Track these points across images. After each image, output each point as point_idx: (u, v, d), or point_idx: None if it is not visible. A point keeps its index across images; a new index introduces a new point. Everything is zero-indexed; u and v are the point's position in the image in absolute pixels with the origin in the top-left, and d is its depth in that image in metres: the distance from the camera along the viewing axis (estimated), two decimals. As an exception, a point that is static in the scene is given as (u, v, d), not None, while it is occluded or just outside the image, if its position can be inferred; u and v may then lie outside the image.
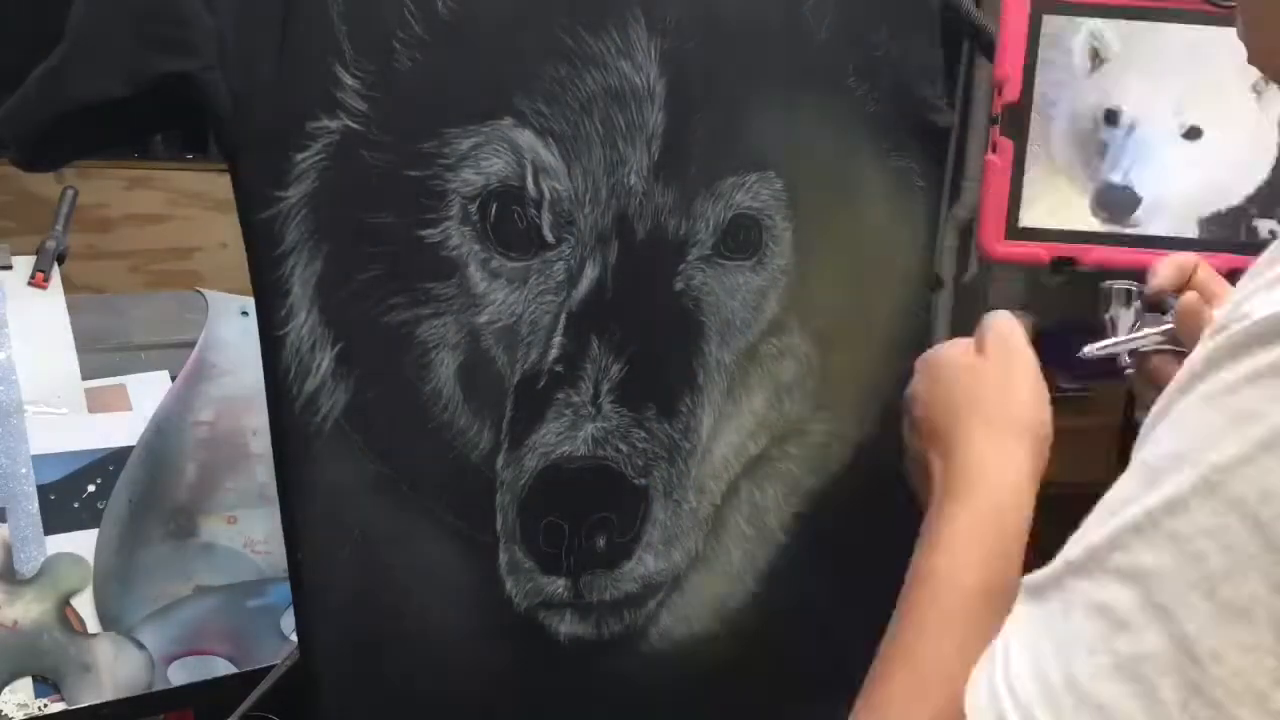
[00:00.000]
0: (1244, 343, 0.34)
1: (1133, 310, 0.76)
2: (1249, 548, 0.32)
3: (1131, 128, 0.92)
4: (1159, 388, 0.40)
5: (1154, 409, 0.38)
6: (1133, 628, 0.33)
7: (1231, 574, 0.32)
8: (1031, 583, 0.39)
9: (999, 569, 0.54)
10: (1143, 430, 0.39)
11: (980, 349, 0.68)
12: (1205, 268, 0.74)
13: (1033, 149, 0.92)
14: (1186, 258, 0.75)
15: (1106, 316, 0.78)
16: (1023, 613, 0.39)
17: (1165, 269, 0.74)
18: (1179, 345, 0.73)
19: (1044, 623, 0.36)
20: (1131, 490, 0.36)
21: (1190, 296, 0.71)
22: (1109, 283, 0.78)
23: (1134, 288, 0.76)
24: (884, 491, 0.78)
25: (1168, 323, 0.74)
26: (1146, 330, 0.75)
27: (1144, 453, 0.37)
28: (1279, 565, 0.31)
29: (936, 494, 0.62)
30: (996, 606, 0.43)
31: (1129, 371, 0.76)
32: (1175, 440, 0.34)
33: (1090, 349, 0.76)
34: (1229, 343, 0.34)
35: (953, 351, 0.69)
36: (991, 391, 0.65)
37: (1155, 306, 0.75)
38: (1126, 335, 0.76)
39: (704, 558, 0.85)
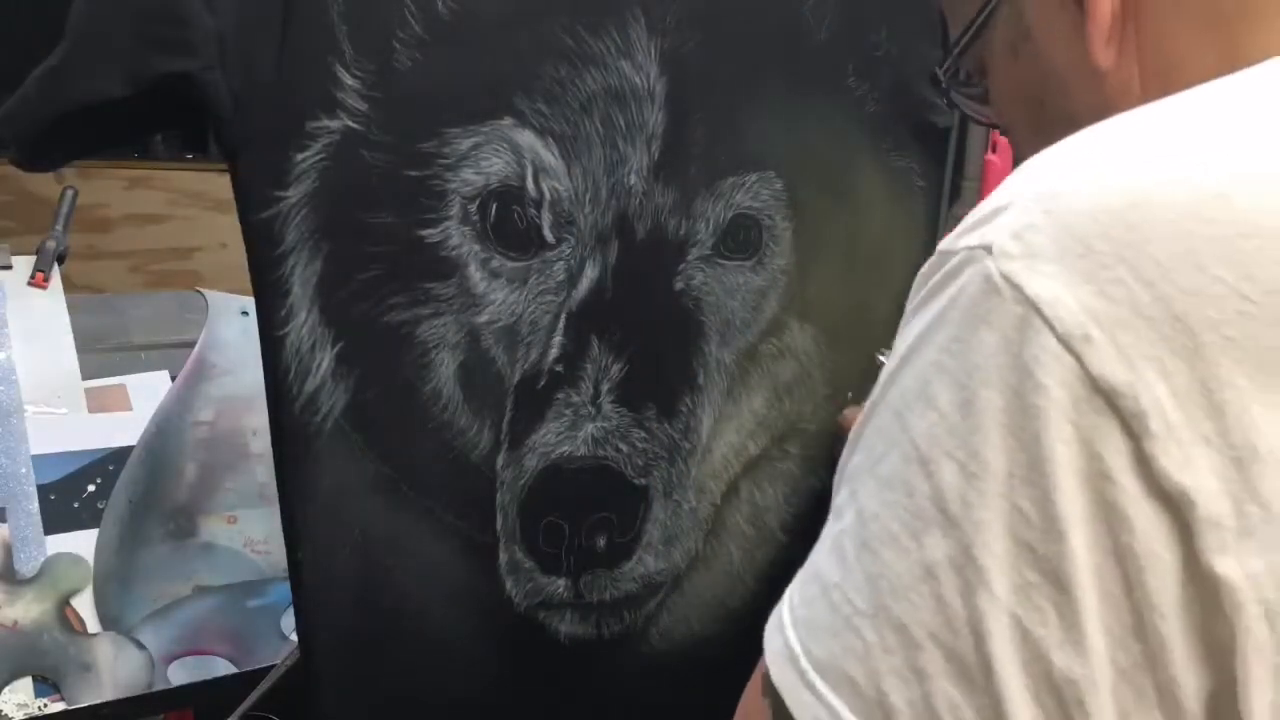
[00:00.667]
0: (914, 290, 0.44)
1: None
2: (893, 433, 0.41)
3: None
4: None
5: None
6: (839, 515, 0.43)
7: (885, 455, 0.41)
8: None
9: None
10: None
11: None
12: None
13: (1032, 149, 0.92)
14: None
15: None
16: None
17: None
18: None
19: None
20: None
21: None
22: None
23: None
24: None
25: None
26: None
27: None
28: (906, 439, 0.41)
29: None
30: None
31: None
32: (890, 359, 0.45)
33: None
34: (911, 293, 0.44)
35: None
36: None
37: None
38: None
39: (704, 558, 0.85)
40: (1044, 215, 0.40)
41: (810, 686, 0.41)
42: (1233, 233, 0.38)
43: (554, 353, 0.78)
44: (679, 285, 0.82)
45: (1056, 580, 0.38)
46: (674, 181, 0.81)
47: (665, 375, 0.82)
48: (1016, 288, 0.39)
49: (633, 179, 0.80)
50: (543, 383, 0.78)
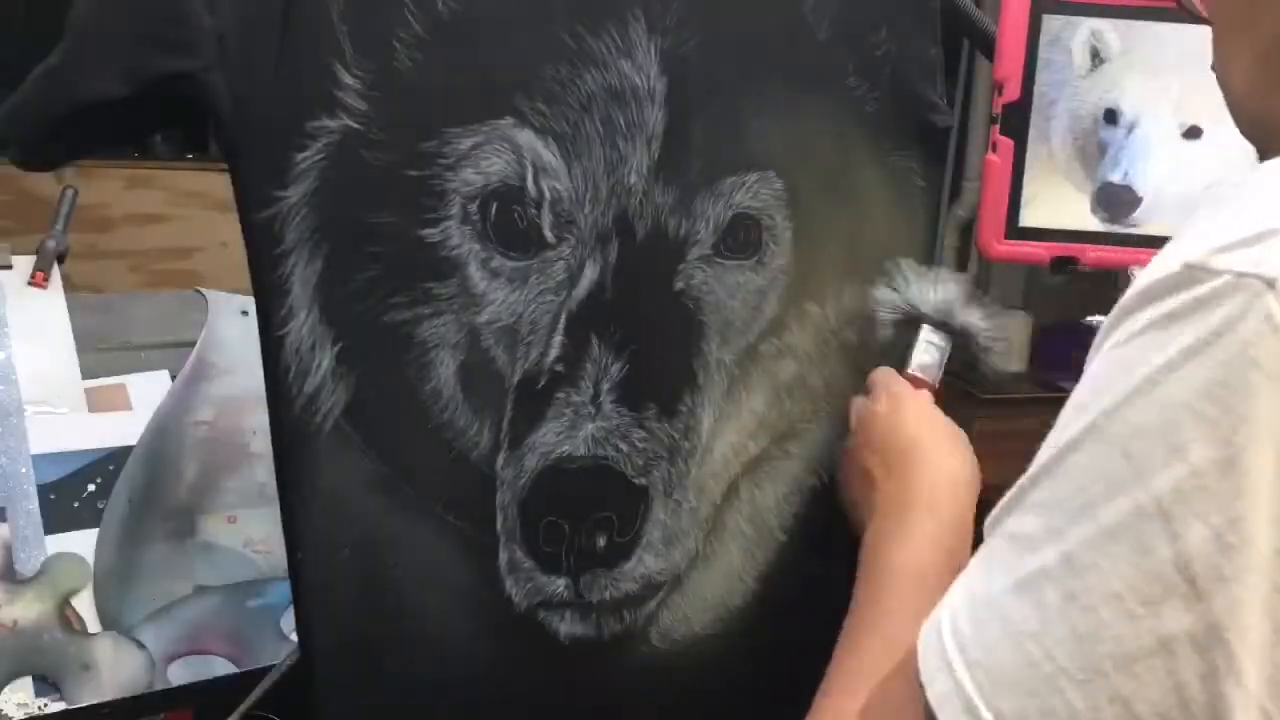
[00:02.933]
0: (1137, 301, 0.38)
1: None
2: (1122, 476, 0.36)
3: (1131, 127, 0.92)
4: None
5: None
6: (1034, 549, 0.38)
7: (1108, 500, 0.37)
8: (986, 522, 0.45)
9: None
10: None
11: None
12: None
13: (1033, 148, 0.92)
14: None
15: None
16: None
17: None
18: None
19: (979, 557, 0.42)
20: (1053, 434, 0.41)
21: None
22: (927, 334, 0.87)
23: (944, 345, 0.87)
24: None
25: None
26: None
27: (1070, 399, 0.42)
28: (1143, 490, 0.36)
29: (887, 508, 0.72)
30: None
31: None
32: (1082, 389, 0.39)
33: None
34: (1127, 301, 0.39)
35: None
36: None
37: None
38: None
39: (704, 557, 0.85)
40: None
41: None
42: None
43: (554, 352, 0.78)
44: (679, 285, 0.82)
45: None
46: (674, 181, 0.81)
47: (665, 375, 0.82)
48: None
49: (633, 178, 0.80)
50: (543, 382, 0.78)
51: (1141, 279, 0.39)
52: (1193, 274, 0.37)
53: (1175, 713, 0.35)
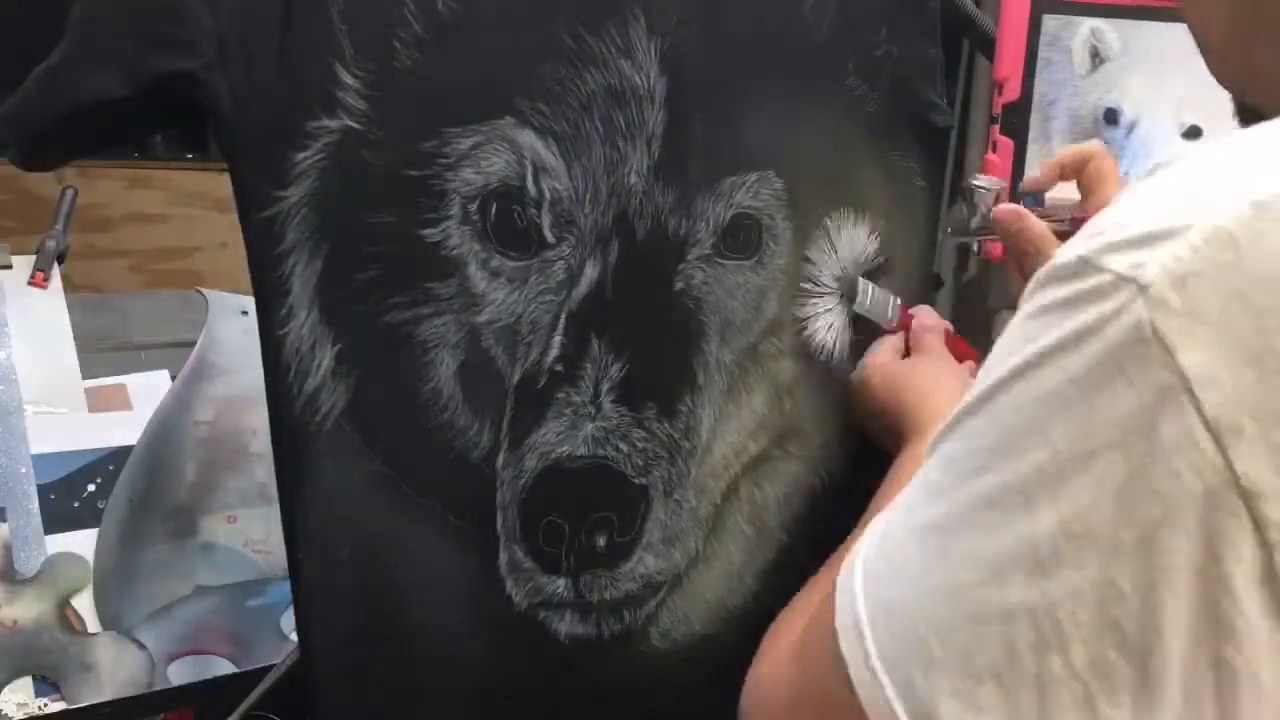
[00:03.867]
0: (1044, 278, 0.40)
1: (981, 210, 0.85)
2: (999, 450, 0.39)
3: (1131, 127, 0.92)
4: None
5: None
6: (930, 501, 0.42)
7: (988, 467, 0.40)
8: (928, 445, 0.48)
9: None
10: None
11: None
12: (1100, 159, 0.81)
13: (1033, 148, 0.92)
14: (1073, 151, 0.83)
15: (964, 209, 0.87)
16: None
17: (1046, 169, 0.83)
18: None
19: (903, 491, 0.45)
20: (975, 382, 0.44)
21: (1006, 208, 0.82)
22: (970, 180, 0.86)
23: (990, 187, 0.85)
24: (884, 491, 0.78)
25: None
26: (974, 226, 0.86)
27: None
28: (1011, 468, 0.39)
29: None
30: None
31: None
32: (995, 350, 0.42)
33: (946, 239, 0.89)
34: (1040, 276, 0.41)
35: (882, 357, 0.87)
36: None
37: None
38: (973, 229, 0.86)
39: (704, 557, 0.85)
40: (1214, 267, 0.35)
41: (873, 671, 0.41)
42: None
43: (554, 352, 0.78)
44: (679, 285, 0.82)
45: (1141, 670, 0.36)
46: (674, 181, 0.81)
47: (665, 375, 0.82)
48: (1167, 351, 0.35)
49: (633, 178, 0.80)
50: (543, 382, 0.78)
51: (1056, 256, 0.41)
52: (1084, 267, 0.38)
53: (1007, 675, 0.38)
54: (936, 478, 0.43)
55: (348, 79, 0.73)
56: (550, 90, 0.77)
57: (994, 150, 0.92)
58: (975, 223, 0.85)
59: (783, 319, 0.87)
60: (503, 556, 0.79)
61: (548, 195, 0.78)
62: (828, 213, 0.88)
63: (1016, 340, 0.40)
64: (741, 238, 0.84)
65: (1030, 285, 0.42)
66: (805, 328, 0.88)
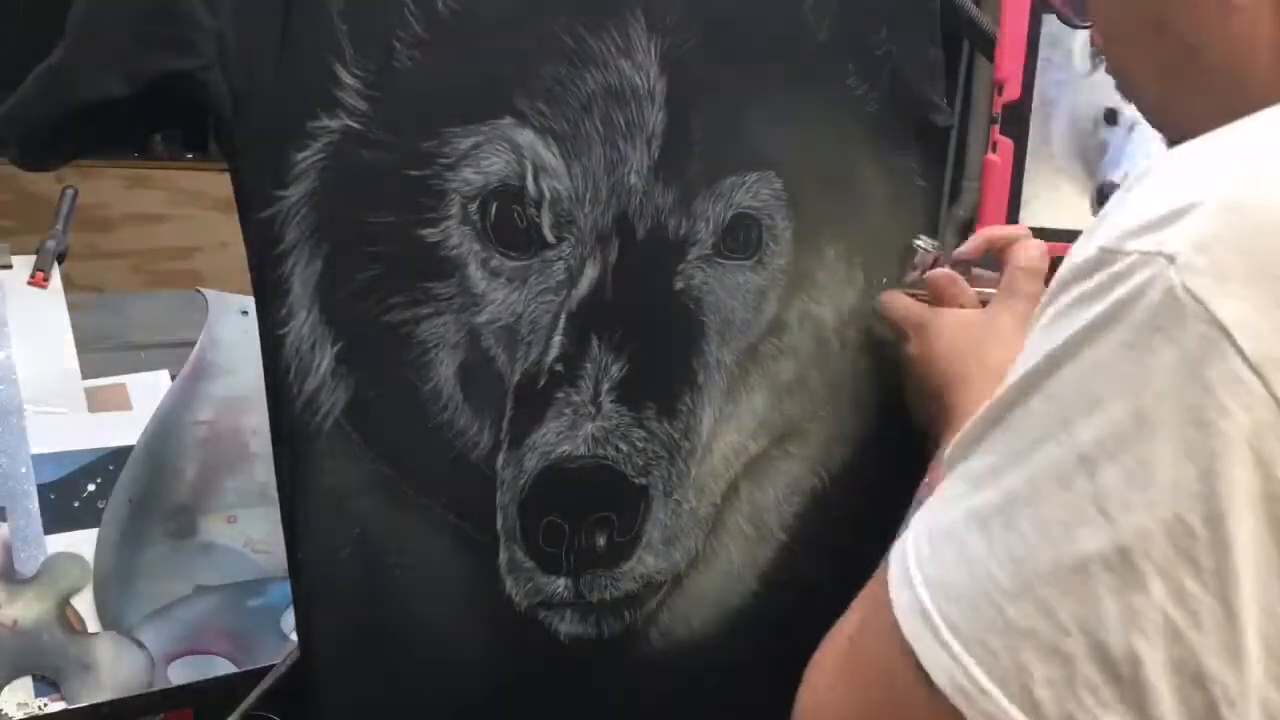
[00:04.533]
0: (1062, 284, 0.44)
1: (919, 269, 0.88)
2: (1052, 426, 0.42)
3: (1131, 127, 0.92)
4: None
5: None
6: (980, 487, 0.44)
7: (1041, 444, 0.42)
8: (945, 459, 0.50)
9: None
10: None
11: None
12: (1024, 245, 0.83)
13: (1033, 149, 0.92)
14: (1004, 231, 0.87)
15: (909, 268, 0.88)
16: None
17: (975, 240, 0.87)
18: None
19: (937, 494, 0.47)
20: (995, 397, 0.46)
21: (940, 272, 0.85)
22: (913, 240, 0.89)
23: (928, 248, 0.88)
24: (884, 491, 0.78)
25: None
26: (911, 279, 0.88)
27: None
28: (1069, 437, 0.41)
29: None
30: None
31: None
32: (1020, 362, 0.45)
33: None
34: (1061, 278, 0.44)
35: (952, 314, 0.82)
36: (993, 341, 0.78)
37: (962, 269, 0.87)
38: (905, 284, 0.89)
39: (704, 557, 0.85)
40: (1231, 228, 0.39)
41: (946, 647, 0.42)
42: None
43: (554, 352, 0.78)
44: (679, 285, 0.82)
45: (1219, 593, 0.38)
46: (674, 181, 0.81)
47: (665, 375, 0.82)
48: (1203, 306, 0.38)
49: (633, 178, 0.80)
50: (543, 382, 0.78)
51: (1067, 263, 0.44)
52: (1107, 256, 0.41)
53: (1091, 620, 0.40)
54: (981, 467, 0.44)
55: (348, 79, 0.73)
56: (550, 90, 0.77)
57: (994, 150, 0.92)
58: (910, 278, 0.88)
59: (783, 319, 0.87)
60: (503, 556, 0.79)
61: (548, 195, 0.78)
62: (828, 214, 0.88)
63: (1051, 335, 0.43)
64: (741, 238, 0.84)
65: (1048, 293, 0.44)
66: (806, 327, 0.88)
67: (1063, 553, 0.40)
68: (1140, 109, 0.60)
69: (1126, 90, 0.60)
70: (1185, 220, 0.39)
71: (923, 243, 0.88)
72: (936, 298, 0.85)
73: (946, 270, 0.86)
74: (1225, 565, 0.38)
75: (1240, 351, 0.38)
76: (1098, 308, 0.41)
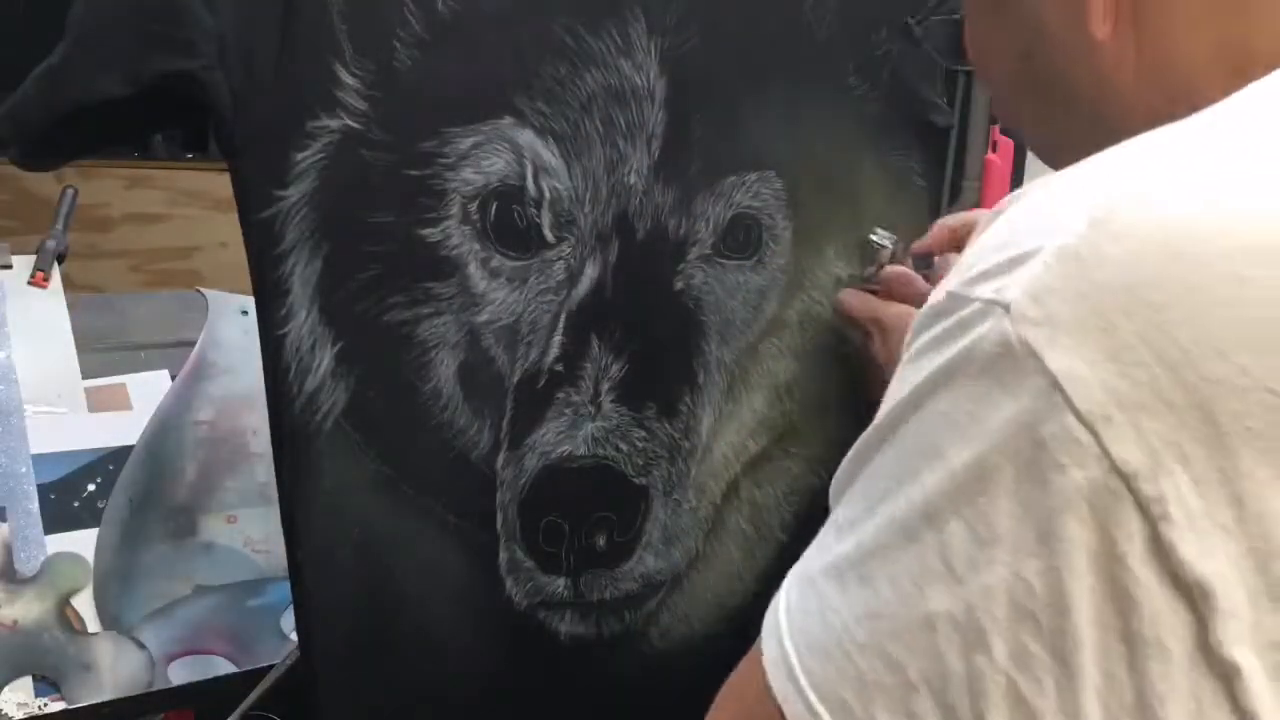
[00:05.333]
0: (919, 325, 0.44)
1: (878, 264, 0.87)
2: (901, 478, 0.42)
3: (1131, 127, 0.92)
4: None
5: None
6: (842, 538, 0.44)
7: (891, 494, 0.42)
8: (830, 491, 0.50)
9: None
10: None
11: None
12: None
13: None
14: (960, 219, 0.86)
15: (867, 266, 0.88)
16: None
17: (935, 232, 0.86)
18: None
19: (816, 538, 0.47)
20: (865, 435, 0.46)
21: (893, 270, 0.86)
22: (870, 233, 0.88)
23: (886, 243, 0.87)
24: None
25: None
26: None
27: None
28: (916, 489, 0.41)
29: None
30: None
31: None
32: (888, 394, 0.45)
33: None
34: (919, 320, 0.44)
35: (910, 312, 0.80)
36: None
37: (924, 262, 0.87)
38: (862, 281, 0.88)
39: (704, 557, 0.85)
40: (1065, 279, 0.39)
41: (806, 702, 0.42)
42: (1258, 315, 0.37)
43: (554, 352, 0.78)
44: (679, 285, 0.82)
45: (1058, 654, 0.38)
46: (674, 181, 0.81)
47: (665, 374, 0.82)
48: (1036, 357, 0.38)
49: (633, 178, 0.80)
50: (543, 382, 0.78)
51: (926, 304, 0.44)
52: (954, 301, 0.42)
53: (938, 681, 0.39)
54: (844, 516, 0.45)
55: (348, 79, 0.73)
56: (550, 90, 0.77)
57: (994, 150, 0.92)
58: (868, 273, 0.88)
59: (783, 319, 0.87)
60: (503, 556, 0.80)
61: (548, 195, 0.78)
62: (828, 214, 0.88)
63: (905, 380, 0.43)
64: (741, 237, 0.84)
65: (911, 331, 0.45)
66: (806, 327, 0.88)
67: (914, 609, 0.40)
68: (1025, 140, 0.60)
69: (1006, 120, 0.61)
70: (1024, 268, 0.39)
71: (878, 237, 0.87)
72: (889, 295, 0.85)
73: (899, 268, 0.86)
74: (1065, 626, 0.38)
75: (1071, 405, 0.37)
76: (943, 356, 0.41)
